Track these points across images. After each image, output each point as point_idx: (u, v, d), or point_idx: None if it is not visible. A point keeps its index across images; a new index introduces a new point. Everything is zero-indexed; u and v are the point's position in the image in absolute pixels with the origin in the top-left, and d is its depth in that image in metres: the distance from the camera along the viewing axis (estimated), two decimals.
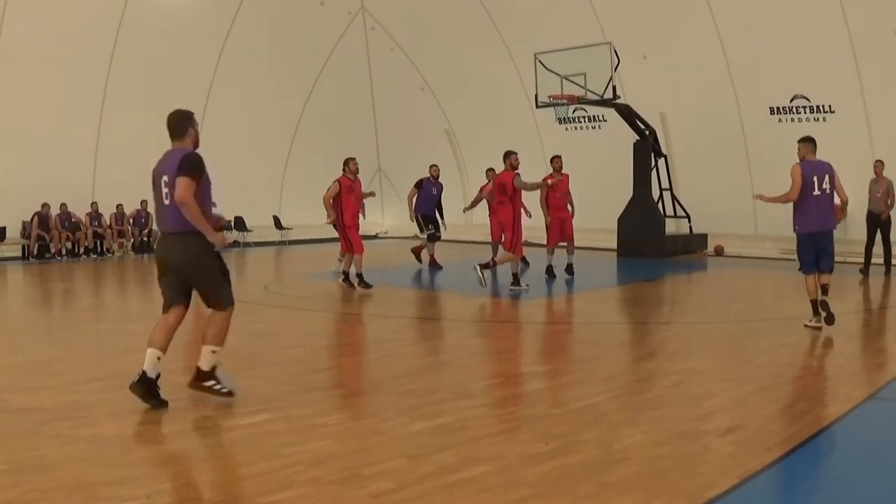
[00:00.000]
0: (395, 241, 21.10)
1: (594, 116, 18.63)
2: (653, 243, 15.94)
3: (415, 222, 14.40)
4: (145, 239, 18.61)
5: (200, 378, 5.29)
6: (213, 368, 5.30)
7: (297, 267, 15.21)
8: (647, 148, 16.29)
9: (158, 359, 5.16)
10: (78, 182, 17.80)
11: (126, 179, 18.32)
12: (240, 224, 20.04)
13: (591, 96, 15.50)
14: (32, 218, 17.12)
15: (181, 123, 5.33)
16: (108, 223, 18.22)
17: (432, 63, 21.05)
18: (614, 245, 16.59)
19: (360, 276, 11.23)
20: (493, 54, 19.33)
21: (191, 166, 5.04)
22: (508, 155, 11.32)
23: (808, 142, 8.16)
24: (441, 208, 14.47)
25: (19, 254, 17.31)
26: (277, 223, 20.84)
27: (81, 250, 17.73)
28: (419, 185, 14.28)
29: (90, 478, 3.93)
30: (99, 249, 18.04)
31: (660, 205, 16.69)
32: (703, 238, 17.08)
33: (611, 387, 5.86)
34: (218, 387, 5.29)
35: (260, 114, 20.24)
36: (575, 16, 17.18)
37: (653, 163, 16.49)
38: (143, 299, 11.80)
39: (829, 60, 14.53)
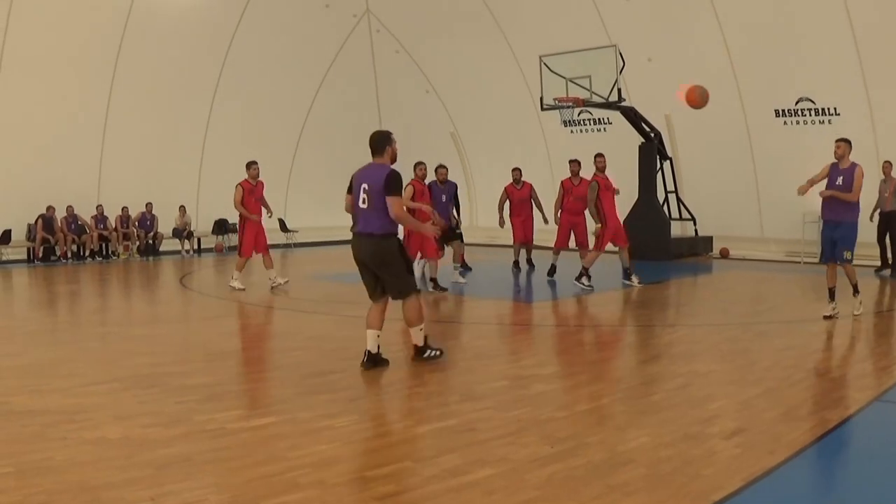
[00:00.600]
0: None
1: (599, 119, 18.63)
2: (658, 246, 15.91)
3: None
4: (150, 242, 18.64)
5: (418, 353, 6.52)
6: (425, 340, 6.48)
7: (303, 270, 15.20)
8: (653, 150, 16.28)
9: (378, 336, 6.34)
10: (83, 185, 17.85)
11: (131, 182, 18.43)
12: None
13: (596, 99, 15.48)
14: (37, 220, 17.14)
15: (381, 142, 6.22)
16: (114, 226, 18.25)
17: (438, 66, 21.07)
18: None
19: (434, 280, 11.42)
20: (499, 57, 19.34)
21: (397, 186, 6.02)
22: (594, 158, 11.61)
23: (849, 143, 8.30)
24: (458, 207, 13.79)
25: (24, 256, 17.36)
26: (283, 226, 20.86)
27: (87, 253, 17.77)
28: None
29: (95, 480, 3.94)
30: (104, 252, 18.08)
31: (665, 207, 16.66)
32: (709, 241, 17.05)
33: (616, 389, 5.85)
34: (433, 353, 6.54)
35: (265, 116, 20.29)
36: (580, 19, 17.19)
37: (658, 165, 16.47)
38: (147, 302, 11.83)
39: (834, 63, 14.51)
